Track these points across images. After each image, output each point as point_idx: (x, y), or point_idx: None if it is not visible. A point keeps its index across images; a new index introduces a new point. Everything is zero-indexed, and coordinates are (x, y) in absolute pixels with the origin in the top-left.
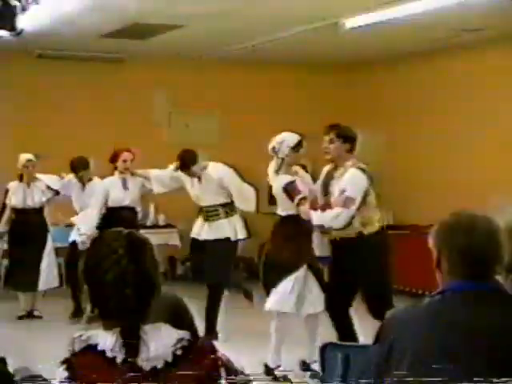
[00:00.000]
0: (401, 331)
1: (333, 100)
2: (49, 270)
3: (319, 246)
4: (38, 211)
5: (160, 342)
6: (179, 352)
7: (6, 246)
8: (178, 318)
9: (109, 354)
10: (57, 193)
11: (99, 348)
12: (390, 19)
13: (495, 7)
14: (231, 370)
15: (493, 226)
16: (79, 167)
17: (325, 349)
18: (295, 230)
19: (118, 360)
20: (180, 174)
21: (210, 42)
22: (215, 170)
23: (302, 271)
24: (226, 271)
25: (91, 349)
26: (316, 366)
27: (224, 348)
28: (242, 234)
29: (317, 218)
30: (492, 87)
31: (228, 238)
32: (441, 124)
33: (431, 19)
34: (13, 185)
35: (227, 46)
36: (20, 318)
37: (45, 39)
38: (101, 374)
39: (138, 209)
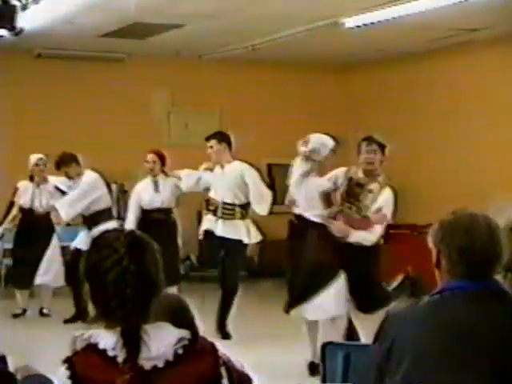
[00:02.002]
0: (400, 331)
1: (333, 99)
2: (47, 269)
3: None
4: (45, 212)
5: (161, 341)
6: (180, 351)
7: (8, 245)
8: (179, 317)
9: (110, 354)
10: (64, 194)
11: (100, 347)
12: (390, 19)
13: (495, 7)
14: (232, 370)
15: (492, 225)
16: (60, 163)
17: (325, 348)
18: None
19: (119, 359)
20: (207, 174)
21: (209, 42)
22: (240, 164)
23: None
24: (239, 273)
25: (92, 348)
26: None
27: (234, 348)
28: (256, 237)
29: (357, 237)
30: (492, 87)
31: (241, 240)
32: (441, 123)
33: (431, 19)
34: (22, 184)
35: (227, 45)
36: (15, 316)
37: (44, 39)
38: (102, 373)
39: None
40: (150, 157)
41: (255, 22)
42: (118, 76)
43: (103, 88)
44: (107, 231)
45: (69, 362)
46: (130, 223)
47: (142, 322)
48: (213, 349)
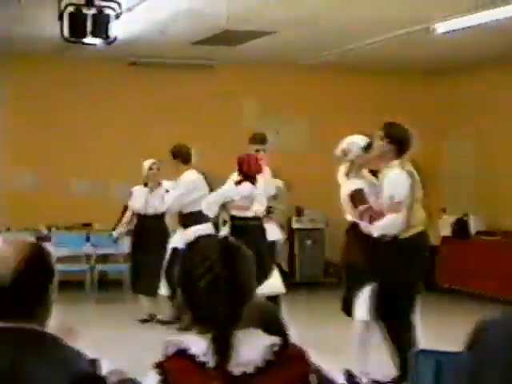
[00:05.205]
0: (493, 340)
1: (424, 106)
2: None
3: None
4: (158, 217)
5: (251, 347)
6: (270, 358)
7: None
8: (270, 323)
9: (200, 359)
10: None
11: (191, 352)
12: (483, 23)
13: None
14: (321, 377)
15: None
16: (172, 155)
17: (417, 355)
18: (364, 236)
19: (210, 365)
20: None
21: (299, 49)
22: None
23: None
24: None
25: (183, 353)
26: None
27: None
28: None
29: (376, 230)
30: None
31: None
32: None
33: None
34: (137, 189)
35: (317, 51)
36: (143, 321)
37: (137, 47)
38: (192, 379)
39: None
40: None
41: (345, 27)
42: (208, 83)
43: (194, 95)
44: (201, 237)
45: (160, 366)
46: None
47: (233, 329)
48: (303, 356)
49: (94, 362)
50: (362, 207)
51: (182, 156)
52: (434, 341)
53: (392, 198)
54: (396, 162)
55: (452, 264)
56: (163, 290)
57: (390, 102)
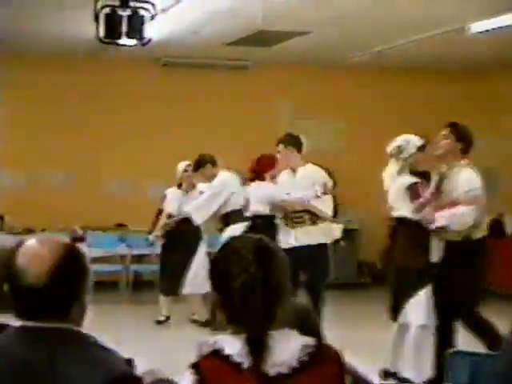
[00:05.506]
0: None
1: (459, 105)
2: (195, 276)
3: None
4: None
5: (286, 347)
6: (305, 358)
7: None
8: (305, 324)
9: (235, 360)
10: None
11: (226, 353)
12: None
13: None
14: (357, 378)
15: None
16: (196, 165)
17: (453, 357)
18: (418, 232)
19: (244, 365)
20: None
21: (334, 49)
22: None
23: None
24: None
25: (218, 354)
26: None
27: None
28: None
29: (443, 219)
30: None
31: None
32: None
33: None
34: (170, 191)
35: (352, 52)
36: (159, 322)
37: (170, 48)
38: (227, 379)
39: None
40: None
41: (380, 27)
42: (242, 83)
43: (228, 96)
44: (235, 237)
45: (195, 367)
46: None
47: (268, 329)
48: (337, 356)
49: (129, 362)
50: (423, 198)
51: (209, 162)
52: (469, 342)
53: (469, 191)
54: (464, 162)
55: None
56: (201, 288)
57: (425, 102)
